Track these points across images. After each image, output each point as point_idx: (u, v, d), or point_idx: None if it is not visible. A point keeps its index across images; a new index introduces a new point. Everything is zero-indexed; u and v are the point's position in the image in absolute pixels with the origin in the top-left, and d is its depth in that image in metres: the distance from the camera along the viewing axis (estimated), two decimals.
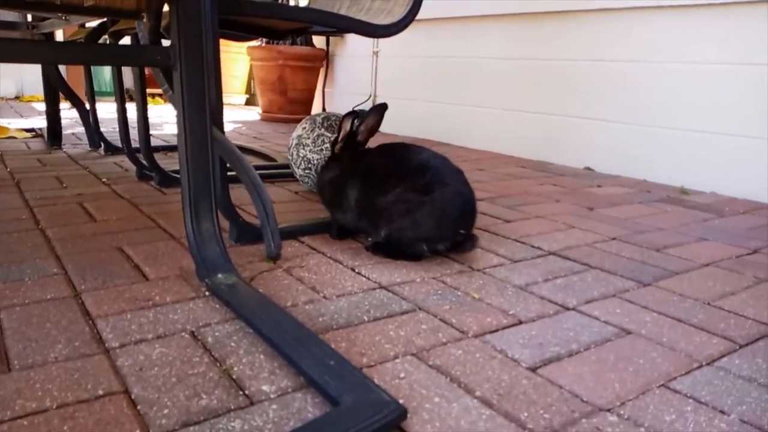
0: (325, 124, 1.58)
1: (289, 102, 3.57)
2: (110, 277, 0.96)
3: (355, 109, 1.55)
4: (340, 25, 1.14)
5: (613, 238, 1.30)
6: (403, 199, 1.08)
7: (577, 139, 2.32)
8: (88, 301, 0.86)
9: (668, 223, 1.46)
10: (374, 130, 1.26)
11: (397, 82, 3.27)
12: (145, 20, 0.90)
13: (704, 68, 1.90)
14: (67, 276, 0.96)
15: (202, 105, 0.90)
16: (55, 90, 2.34)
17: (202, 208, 0.94)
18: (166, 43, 0.97)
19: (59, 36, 2.26)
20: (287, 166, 1.76)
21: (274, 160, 2.10)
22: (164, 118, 3.42)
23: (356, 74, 3.53)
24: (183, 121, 0.90)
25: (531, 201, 1.66)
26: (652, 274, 1.07)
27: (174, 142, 2.52)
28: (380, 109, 1.23)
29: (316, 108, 3.82)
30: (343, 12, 1.39)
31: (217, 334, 0.77)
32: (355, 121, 1.24)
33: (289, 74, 3.47)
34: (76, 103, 2.33)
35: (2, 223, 1.25)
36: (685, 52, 1.94)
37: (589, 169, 2.27)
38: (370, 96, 3.42)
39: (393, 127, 3.25)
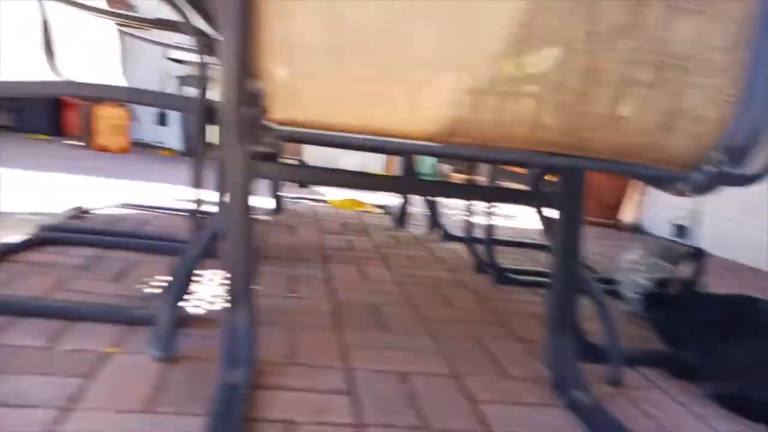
0: (660, 254, 1.63)
1: (599, 206, 3.63)
2: (478, 366, 1.17)
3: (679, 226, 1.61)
4: None
5: None
6: (759, 357, 1.07)
7: None
8: (468, 385, 1.07)
9: None
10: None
11: (727, 201, 3.04)
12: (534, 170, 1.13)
13: None
14: (442, 356, 1.20)
15: (574, 246, 1.07)
16: None
17: (563, 328, 1.10)
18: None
19: None
20: (609, 281, 1.83)
21: (595, 271, 2.18)
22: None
23: None
24: (560, 252, 1.08)
25: None
26: None
27: (505, 237, 2.80)
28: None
29: (626, 215, 3.78)
30: None
31: None
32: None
33: (604, 180, 3.55)
34: None
35: (382, 294, 1.60)
36: None
37: None
38: (692, 211, 3.25)
39: (722, 249, 2.99)
